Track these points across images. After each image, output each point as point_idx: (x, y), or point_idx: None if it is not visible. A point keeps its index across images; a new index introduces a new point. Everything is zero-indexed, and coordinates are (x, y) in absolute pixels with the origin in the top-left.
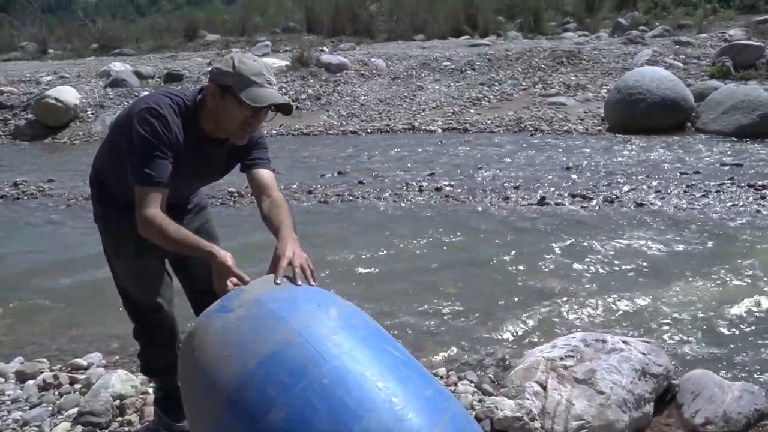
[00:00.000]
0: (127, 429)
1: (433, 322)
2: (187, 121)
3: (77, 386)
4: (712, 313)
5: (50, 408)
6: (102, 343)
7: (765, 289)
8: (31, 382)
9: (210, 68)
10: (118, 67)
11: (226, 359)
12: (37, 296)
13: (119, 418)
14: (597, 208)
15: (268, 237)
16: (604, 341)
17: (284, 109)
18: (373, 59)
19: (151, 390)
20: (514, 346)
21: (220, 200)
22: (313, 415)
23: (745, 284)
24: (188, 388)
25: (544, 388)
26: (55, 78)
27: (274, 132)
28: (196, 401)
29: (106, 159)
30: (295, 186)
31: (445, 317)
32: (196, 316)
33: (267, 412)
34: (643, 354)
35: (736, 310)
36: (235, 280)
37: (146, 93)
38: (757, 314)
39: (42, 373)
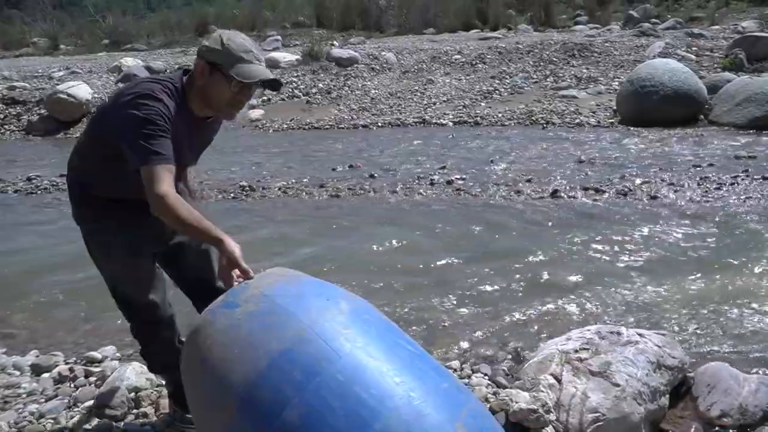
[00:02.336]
0: (142, 421)
1: (446, 316)
2: (175, 100)
3: (92, 379)
4: (727, 306)
5: (66, 400)
6: (116, 336)
7: None
8: (46, 375)
9: (199, 46)
10: (130, 62)
11: (236, 358)
12: (51, 291)
13: (134, 411)
14: (610, 200)
15: (280, 231)
16: (619, 334)
17: (272, 84)
18: (383, 53)
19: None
20: (529, 339)
21: (232, 194)
22: (330, 413)
23: (760, 277)
24: (195, 389)
25: (559, 380)
26: (66, 73)
27: (285, 126)
28: (205, 403)
29: (88, 156)
30: (306, 180)
31: (457, 310)
32: (194, 305)
33: (281, 412)
34: (659, 346)
35: (752, 302)
36: (239, 273)
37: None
38: None
39: (57, 366)
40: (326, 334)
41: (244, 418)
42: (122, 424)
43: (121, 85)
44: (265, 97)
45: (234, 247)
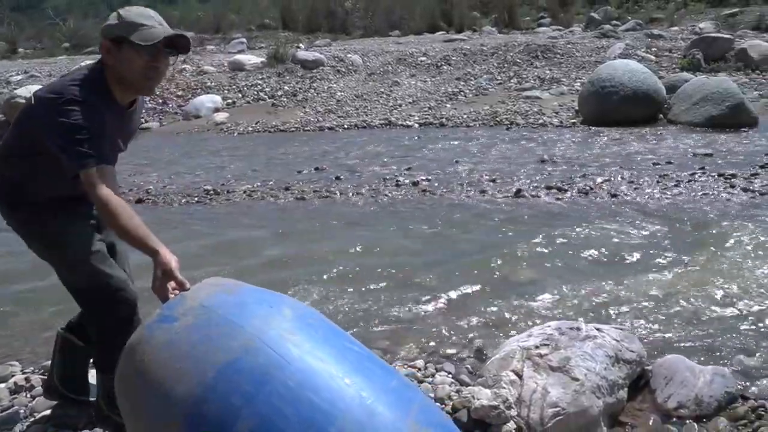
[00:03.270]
0: (100, 430)
1: (410, 316)
2: (101, 96)
3: None
4: (684, 300)
5: (22, 411)
6: None
7: (735, 275)
8: (2, 385)
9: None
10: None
11: (179, 373)
12: (7, 300)
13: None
14: (572, 199)
15: (246, 235)
16: (578, 329)
17: (181, 44)
18: (349, 55)
19: None
20: (491, 337)
21: (196, 198)
22: (284, 421)
23: (716, 271)
24: (133, 411)
25: (520, 376)
26: (25, 77)
27: (250, 129)
28: (148, 426)
29: (16, 164)
30: (271, 183)
31: (422, 310)
32: None
33: (232, 425)
34: (617, 341)
35: (708, 296)
36: (174, 284)
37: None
38: (728, 300)
39: (14, 376)
40: (273, 341)
41: None
42: None
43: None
44: (229, 100)
45: (170, 258)
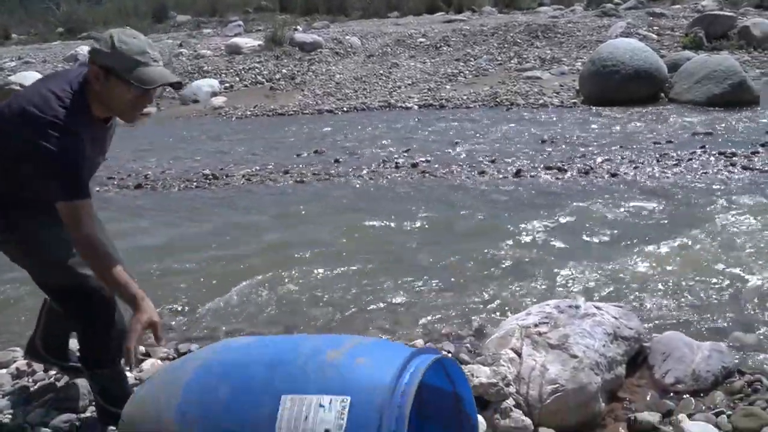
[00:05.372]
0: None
1: (411, 296)
2: (83, 116)
3: (52, 373)
4: (683, 278)
5: (24, 395)
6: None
7: (734, 253)
8: (3, 371)
9: (89, 49)
10: (86, 51)
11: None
12: (9, 286)
13: (94, 403)
14: (572, 179)
15: (245, 218)
16: (577, 307)
17: (175, 85)
18: (347, 37)
19: (127, 373)
20: (491, 316)
21: (195, 183)
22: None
23: (715, 249)
24: None
25: (519, 354)
26: (19, 64)
27: (248, 113)
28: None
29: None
30: (270, 166)
31: (423, 291)
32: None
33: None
34: (615, 318)
35: (707, 273)
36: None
37: (23, 90)
38: (726, 277)
39: (15, 361)
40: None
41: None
42: (81, 416)
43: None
44: (227, 84)
45: (151, 313)
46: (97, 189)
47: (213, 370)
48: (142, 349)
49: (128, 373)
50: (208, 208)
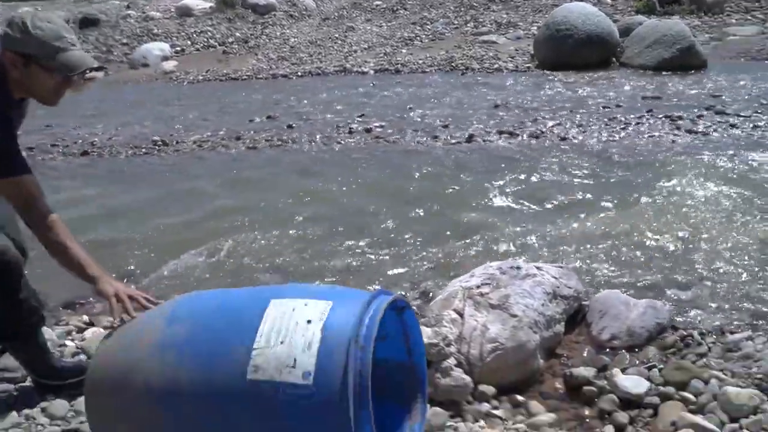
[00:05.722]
0: None
1: (360, 260)
2: (5, 100)
3: None
4: (624, 238)
5: None
6: None
7: (674, 214)
8: None
9: (1, 34)
10: None
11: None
12: None
13: None
14: (523, 143)
15: (195, 185)
16: (518, 268)
17: (97, 70)
18: None
19: (68, 342)
20: (438, 279)
21: (144, 150)
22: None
23: (657, 210)
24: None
25: (462, 315)
26: None
27: (200, 78)
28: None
29: None
30: (222, 132)
31: (373, 255)
32: None
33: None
34: (555, 278)
35: (648, 234)
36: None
37: None
38: (666, 237)
39: None
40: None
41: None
42: (20, 386)
43: None
44: (178, 48)
45: (116, 284)
46: (41, 157)
47: (196, 296)
48: (85, 318)
49: (69, 342)
50: (157, 174)
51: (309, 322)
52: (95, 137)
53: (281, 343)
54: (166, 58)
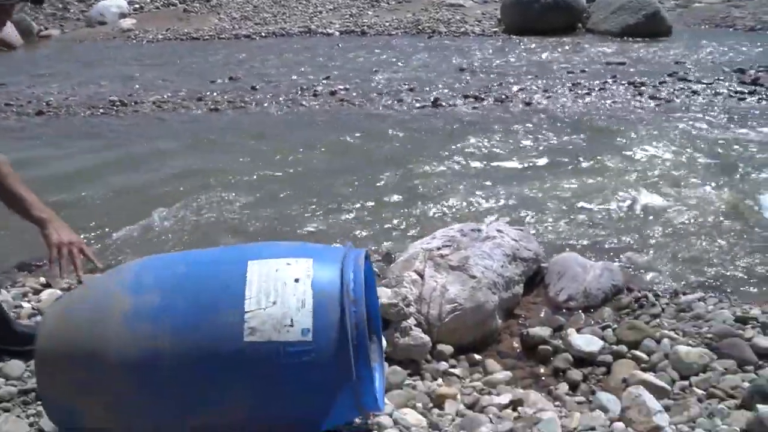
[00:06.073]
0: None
1: (324, 224)
2: None
3: None
4: (585, 203)
5: None
6: None
7: (633, 179)
8: None
9: None
10: None
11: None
12: None
13: None
14: (488, 108)
15: (153, 146)
16: (479, 230)
17: (35, 1)
18: None
19: (24, 303)
20: (400, 241)
21: (101, 110)
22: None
23: (616, 175)
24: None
25: (422, 276)
26: None
27: (160, 37)
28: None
29: None
30: (183, 93)
31: (336, 218)
32: None
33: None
34: (515, 240)
35: (607, 198)
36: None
37: None
38: (625, 201)
39: None
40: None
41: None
42: None
43: None
44: (136, 5)
45: (60, 236)
46: None
47: (159, 262)
48: (42, 279)
49: (26, 304)
50: (116, 135)
51: (297, 280)
52: (51, 97)
53: (273, 303)
54: (123, 16)
